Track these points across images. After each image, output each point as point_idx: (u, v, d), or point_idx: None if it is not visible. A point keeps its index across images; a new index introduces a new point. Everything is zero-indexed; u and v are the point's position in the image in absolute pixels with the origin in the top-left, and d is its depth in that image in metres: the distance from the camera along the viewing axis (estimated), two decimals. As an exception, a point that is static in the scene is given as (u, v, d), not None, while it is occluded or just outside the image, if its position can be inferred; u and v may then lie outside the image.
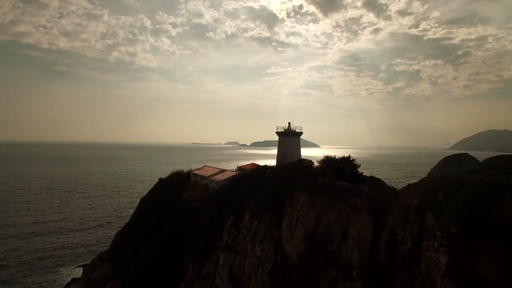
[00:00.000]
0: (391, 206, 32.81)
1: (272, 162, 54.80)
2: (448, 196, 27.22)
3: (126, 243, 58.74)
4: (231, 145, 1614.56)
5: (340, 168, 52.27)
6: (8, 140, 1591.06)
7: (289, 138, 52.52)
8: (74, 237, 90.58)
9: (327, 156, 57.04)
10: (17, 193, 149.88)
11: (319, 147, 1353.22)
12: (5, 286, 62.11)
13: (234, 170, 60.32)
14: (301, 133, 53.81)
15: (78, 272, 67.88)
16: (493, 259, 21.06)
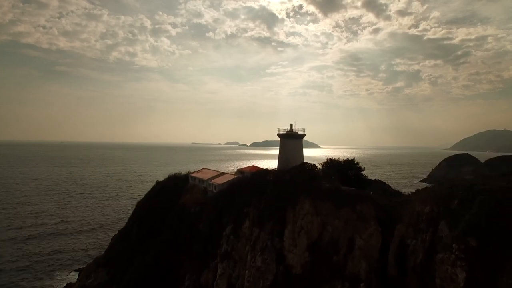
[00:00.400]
0: (400, 214, 30.95)
1: (273, 163, 52.93)
2: (463, 204, 25.33)
3: (122, 248, 57.02)
4: (231, 145, 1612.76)
5: (343, 171, 50.39)
6: (8, 140, 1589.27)
7: (291, 141, 50.42)
8: (71, 240, 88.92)
9: (330, 159, 55.11)
10: (17, 194, 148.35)
11: (319, 147, 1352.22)
12: (0, 290, 60.63)
13: (234, 173, 58.58)
14: (304, 135, 51.73)
15: (74, 277, 66.40)
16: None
